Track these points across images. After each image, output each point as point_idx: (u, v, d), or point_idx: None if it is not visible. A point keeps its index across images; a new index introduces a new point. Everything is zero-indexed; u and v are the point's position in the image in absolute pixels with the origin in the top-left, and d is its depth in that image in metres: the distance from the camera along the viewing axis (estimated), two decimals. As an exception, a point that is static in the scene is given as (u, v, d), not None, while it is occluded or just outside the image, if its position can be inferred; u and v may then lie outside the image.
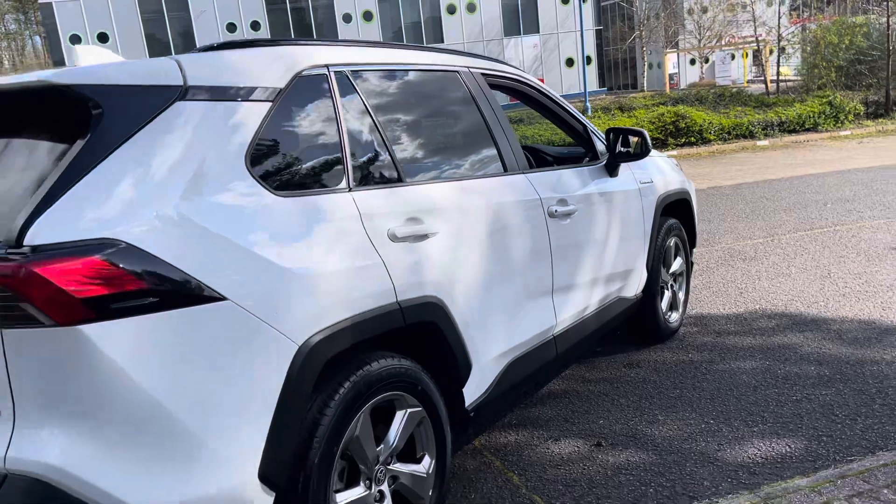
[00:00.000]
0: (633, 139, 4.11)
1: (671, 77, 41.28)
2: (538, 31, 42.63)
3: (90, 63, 2.56)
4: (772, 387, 3.87)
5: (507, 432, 3.62)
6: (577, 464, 3.25)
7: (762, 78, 40.23)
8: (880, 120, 18.45)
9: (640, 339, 4.62)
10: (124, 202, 1.86)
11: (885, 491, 2.77)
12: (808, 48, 20.40)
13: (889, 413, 3.47)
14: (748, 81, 41.85)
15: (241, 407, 1.98)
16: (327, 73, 2.56)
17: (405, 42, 40.79)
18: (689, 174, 7.50)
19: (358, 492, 2.36)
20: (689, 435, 3.42)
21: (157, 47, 39.92)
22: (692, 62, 45.76)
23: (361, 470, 2.37)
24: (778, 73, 25.11)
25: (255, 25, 40.37)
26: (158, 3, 39.53)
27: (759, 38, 45.67)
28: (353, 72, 2.67)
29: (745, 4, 48.20)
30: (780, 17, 25.31)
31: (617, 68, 49.81)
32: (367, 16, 41.00)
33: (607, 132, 4.01)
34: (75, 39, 37.70)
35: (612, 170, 3.97)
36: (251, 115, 2.24)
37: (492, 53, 41.72)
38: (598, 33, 44.58)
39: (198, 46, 2.53)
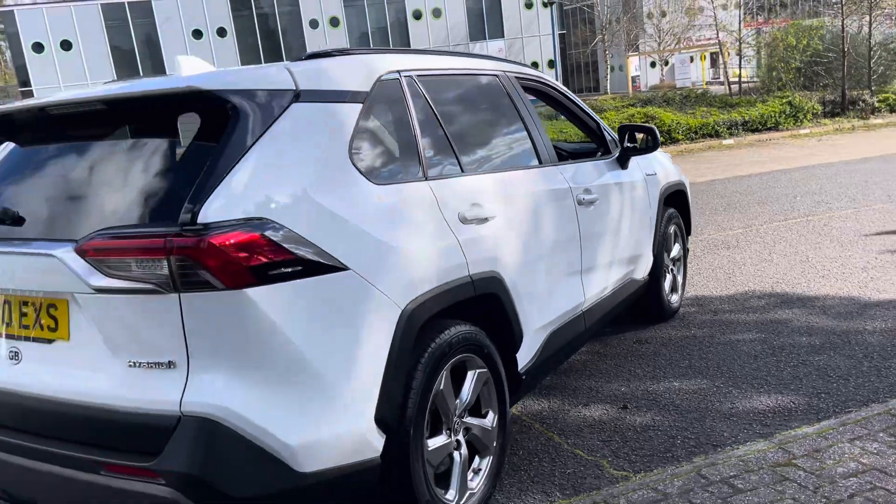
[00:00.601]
0: (640, 135, 4.54)
1: (634, 80, 42.16)
2: (503, 36, 43.24)
3: (191, 72, 2.88)
4: (770, 355, 4.32)
5: (541, 400, 4.00)
6: (608, 424, 3.65)
7: (720, 80, 41.34)
8: (837, 118, 19.30)
9: (647, 318, 5.04)
10: (268, 188, 2.21)
11: (882, 434, 3.21)
12: (768, 50, 21.18)
13: (876, 373, 3.93)
14: (707, 83, 42.90)
15: (362, 360, 2.33)
16: (399, 77, 2.92)
17: (371, 46, 41.08)
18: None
19: (442, 439, 2.72)
20: (704, 396, 3.85)
21: (122, 55, 39.65)
22: (652, 65, 46.75)
23: (443, 421, 2.73)
24: (740, 76, 25.88)
25: (222, 32, 40.33)
26: (122, 10, 39.22)
27: (718, 42, 46.83)
28: (418, 76, 3.04)
29: (703, 8, 49.45)
30: (740, 21, 26.06)
31: (580, 71, 50.64)
32: (334, 21, 41.19)
33: (620, 129, 4.43)
34: (38, 48, 37.24)
35: (623, 163, 4.39)
36: (349, 115, 2.59)
37: (458, 58, 42.17)
38: (562, 37, 45.39)
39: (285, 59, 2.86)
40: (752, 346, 4.49)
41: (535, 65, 43.65)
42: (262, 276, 2.09)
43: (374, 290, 2.37)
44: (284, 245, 2.14)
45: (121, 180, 2.35)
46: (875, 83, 20.27)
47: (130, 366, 2.15)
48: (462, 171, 3.05)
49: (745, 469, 3.03)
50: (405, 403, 2.48)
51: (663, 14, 44.29)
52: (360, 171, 2.53)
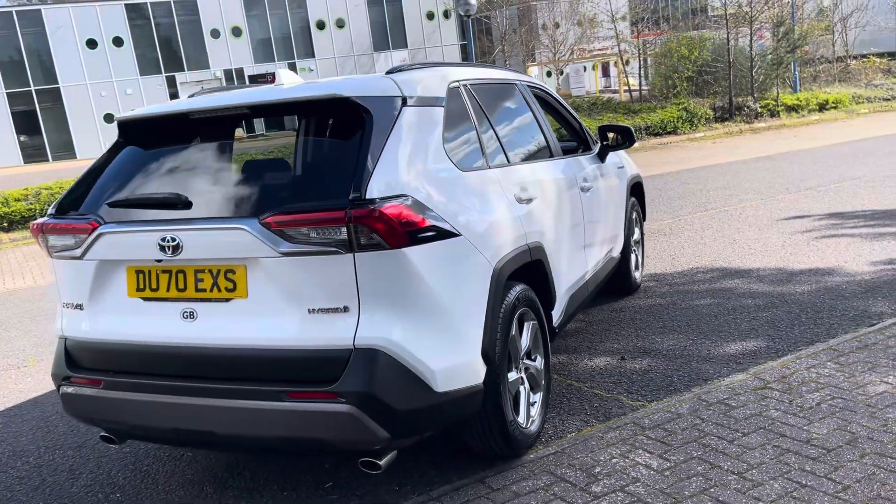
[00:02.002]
0: (610, 134, 5.36)
1: (534, 88, 43.69)
2: (406, 46, 44.09)
3: (290, 83, 3.46)
4: (726, 315, 5.22)
5: (552, 357, 4.73)
6: (613, 371, 4.42)
7: (612, 88, 43.53)
8: (726, 123, 21.15)
9: (618, 292, 5.88)
10: (405, 172, 2.83)
11: (829, 363, 4.12)
12: (662, 60, 22.87)
13: (813, 322, 4.89)
14: (600, 92, 45.15)
15: (473, 306, 2.99)
16: (458, 85, 3.59)
17: (275, 56, 40.97)
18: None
19: (514, 375, 3.40)
20: (684, 347, 4.69)
21: (11, 66, 37.97)
22: (548, 74, 48.65)
23: (513, 361, 3.41)
24: (641, 83, 27.68)
25: (118, 41, 39.28)
26: (10, 19, 37.58)
27: (609, 52, 49.32)
28: (472, 84, 3.72)
29: (593, 20, 51.92)
30: (639, 32, 27.79)
31: (480, 81, 52.00)
32: (236, 31, 40.87)
33: (599, 128, 5.24)
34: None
35: (602, 157, 5.19)
36: (438, 116, 3.24)
37: (363, 68, 42.72)
38: (463, 48, 46.63)
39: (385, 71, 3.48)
40: (709, 309, 5.39)
41: (438, 74, 44.63)
42: (413, 238, 2.72)
43: (477, 252, 3.04)
44: (424, 215, 2.78)
45: (284, 168, 2.92)
46: (757, 91, 22.29)
47: (310, 312, 2.73)
48: (508, 161, 3.75)
49: (734, 393, 3.86)
50: (497, 342, 3.15)
51: (556, 25, 46.30)
52: (451, 160, 3.19)
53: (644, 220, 6.42)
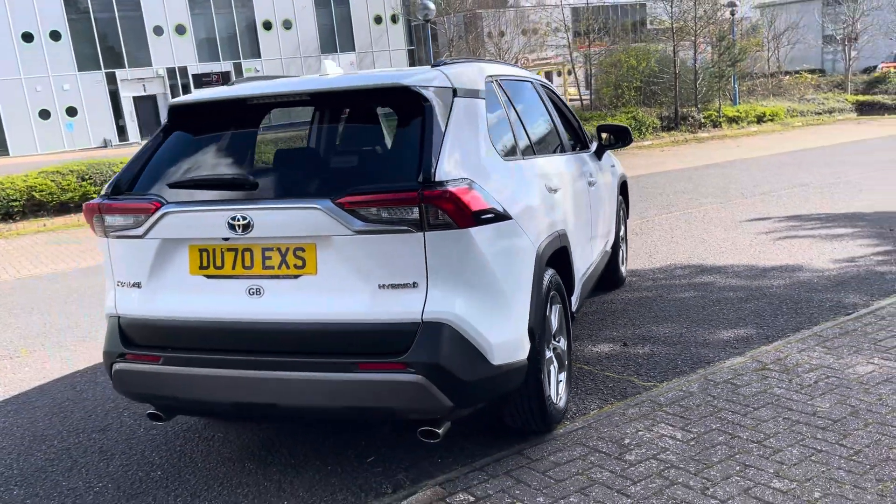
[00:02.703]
0: (604, 134, 5.64)
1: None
2: (354, 50, 44.05)
3: (332, 73, 3.60)
4: (712, 306, 5.56)
5: (555, 345, 4.97)
6: (620, 355, 4.68)
7: (557, 97, 44.17)
8: (672, 132, 21.91)
9: (606, 285, 6.15)
10: (465, 157, 3.02)
11: (818, 347, 4.46)
12: (612, 70, 23.53)
13: (794, 312, 5.25)
14: (544, 100, 45.96)
15: (522, 285, 3.19)
16: (493, 80, 3.79)
17: (220, 56, 40.43)
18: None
19: (548, 352, 3.61)
20: (680, 334, 4.98)
21: (-60, 56, 36.42)
22: (494, 81, 49.15)
23: (547, 340, 3.62)
24: (580, 92, 28.33)
25: (56, 35, 38.12)
26: (-60, 9, 36.05)
27: (553, 61, 50.21)
28: (502, 80, 3.92)
29: (537, 30, 52.85)
30: (588, 43, 28.45)
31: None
32: (180, 29, 40.15)
33: (598, 127, 5.51)
34: None
35: (599, 155, 5.46)
36: (481, 107, 3.43)
37: (310, 70, 42.49)
38: (411, 53, 46.84)
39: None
40: (695, 301, 5.71)
41: (385, 78, 44.70)
42: (477, 219, 2.91)
43: (525, 235, 3.24)
44: (484, 198, 2.97)
45: (348, 151, 3.07)
46: (700, 102, 23.16)
47: (380, 287, 2.88)
48: (534, 153, 3.97)
49: (737, 373, 4.16)
50: (537, 320, 3.36)
51: (501, 34, 46.94)
52: (495, 149, 3.38)
53: (628, 217, 6.73)
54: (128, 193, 3.24)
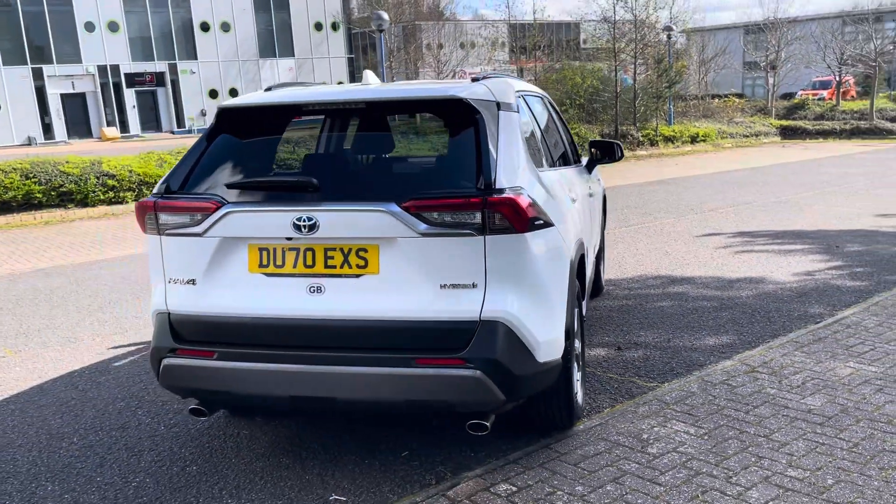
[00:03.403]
0: (592, 149, 5.94)
1: (421, 105, 44.37)
2: (293, 55, 43.72)
3: (373, 83, 3.76)
4: (690, 315, 5.91)
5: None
6: (617, 359, 4.96)
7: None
8: (613, 149, 22.62)
9: (591, 293, 6.44)
10: (516, 167, 3.22)
11: (797, 352, 4.85)
12: (557, 86, 24.15)
13: (768, 321, 5.65)
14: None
15: (561, 288, 3.41)
16: (519, 94, 4.02)
17: (155, 55, 39.49)
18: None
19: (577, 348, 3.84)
20: (668, 340, 5.30)
21: None
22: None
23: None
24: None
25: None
26: None
27: (534, 73, 50.74)
28: (525, 94, 4.15)
29: (475, 44, 53.55)
30: (526, 59, 29.06)
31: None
32: (113, 26, 39.08)
33: (590, 143, 5.80)
34: None
35: (590, 169, 5.76)
36: (518, 120, 3.65)
37: (248, 73, 41.98)
38: (350, 61, 46.79)
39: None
40: (674, 309, 6.06)
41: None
42: (531, 225, 3.12)
43: (563, 241, 3.47)
44: (535, 205, 3.18)
45: (406, 158, 3.23)
46: (639, 121, 24.02)
47: (441, 287, 3.05)
48: (554, 164, 4.21)
49: (730, 375, 4.48)
50: (571, 321, 3.58)
51: (440, 46, 47.43)
52: (531, 160, 3.60)
53: (604, 228, 7.05)
54: (182, 192, 3.31)
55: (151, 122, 40.75)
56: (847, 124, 27.53)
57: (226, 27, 41.57)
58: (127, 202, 13.96)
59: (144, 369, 5.10)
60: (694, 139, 24.85)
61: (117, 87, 39.39)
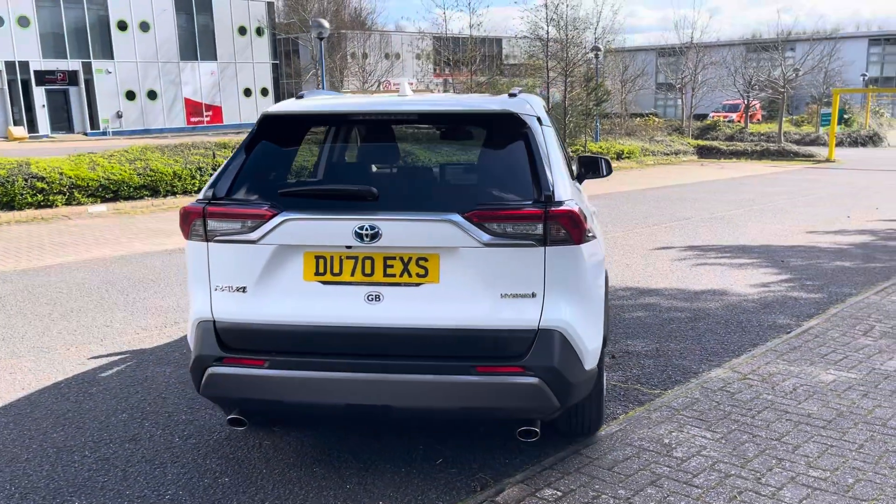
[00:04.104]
0: (581, 166, 6.13)
1: (347, 114, 44.06)
2: (215, 59, 42.72)
3: (410, 93, 3.81)
4: (669, 325, 6.16)
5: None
6: (614, 367, 5.12)
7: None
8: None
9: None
10: (563, 181, 3.33)
11: (779, 361, 5.14)
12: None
13: (742, 331, 5.96)
14: (405, 124, 46.68)
15: (602, 297, 3.54)
16: (544, 109, 4.14)
17: (68, 53, 37.81)
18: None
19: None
20: (656, 349, 5.52)
21: None
22: (354, 102, 49.33)
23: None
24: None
25: None
26: None
27: (415, 87, 51.01)
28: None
29: (399, 55, 53.72)
30: (447, 68, 29.39)
31: (287, 101, 51.62)
32: (23, 21, 37.25)
33: (579, 158, 5.97)
34: None
35: (580, 182, 5.93)
36: (553, 134, 3.77)
37: (168, 75, 40.78)
38: (275, 67, 46.08)
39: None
40: (651, 320, 6.31)
41: (247, 91, 43.78)
42: (585, 236, 3.23)
43: (602, 253, 3.60)
44: (585, 217, 3.30)
45: (460, 168, 3.30)
46: (568, 137, 24.67)
47: (502, 296, 3.12)
48: (574, 178, 4.35)
49: (726, 383, 4.72)
50: (607, 330, 3.71)
51: (365, 56, 47.33)
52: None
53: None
54: (231, 199, 3.27)
55: (63, 122, 38.94)
56: (758, 146, 29.05)
57: (145, 27, 40.24)
58: (57, 206, 13.36)
59: (137, 380, 4.93)
60: (619, 156, 25.67)
61: (26, 84, 37.49)
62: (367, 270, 3.17)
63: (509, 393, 3.13)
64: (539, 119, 3.57)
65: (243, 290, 3.24)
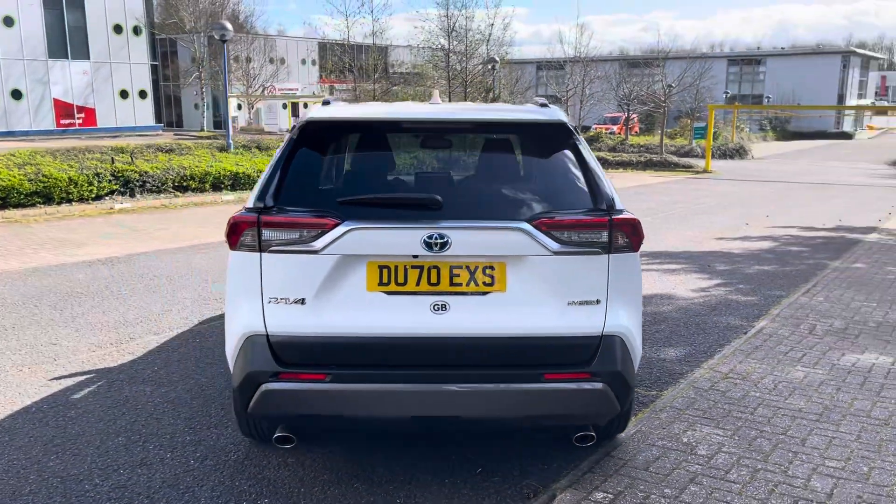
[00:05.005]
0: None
1: (234, 119, 42.80)
2: (88, 58, 40.34)
3: (439, 101, 3.78)
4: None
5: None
6: (600, 370, 5.26)
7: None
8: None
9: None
10: (613, 190, 3.41)
11: (749, 360, 5.45)
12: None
13: (703, 333, 6.27)
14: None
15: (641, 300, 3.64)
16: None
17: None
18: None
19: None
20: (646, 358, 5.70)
21: None
22: (239, 107, 48.13)
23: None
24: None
25: None
26: None
27: (299, 92, 50.35)
28: None
29: (283, 59, 52.72)
30: (333, 74, 29.19)
31: (173, 105, 49.51)
32: None
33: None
34: None
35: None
36: (584, 141, 3.85)
37: (35, 74, 38.21)
38: (154, 68, 44.04)
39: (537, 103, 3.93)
40: (615, 324, 6.52)
41: (124, 93, 41.63)
42: (640, 245, 3.32)
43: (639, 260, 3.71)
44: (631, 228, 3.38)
45: (514, 177, 3.31)
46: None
47: (569, 304, 3.15)
48: None
49: (712, 382, 4.96)
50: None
51: (248, 60, 46.19)
52: None
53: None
54: (283, 208, 3.13)
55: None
56: (641, 157, 30.55)
57: (9, 22, 37.41)
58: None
59: (117, 401, 4.60)
60: (516, 165, 26.35)
61: None
62: (433, 280, 3.12)
63: (577, 399, 3.17)
64: (576, 129, 3.64)
65: (301, 301, 3.11)
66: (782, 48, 74.27)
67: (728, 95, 51.47)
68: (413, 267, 3.11)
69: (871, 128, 65.13)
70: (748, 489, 3.51)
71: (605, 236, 3.16)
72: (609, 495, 3.44)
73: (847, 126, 57.10)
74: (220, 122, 45.91)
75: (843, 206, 16.43)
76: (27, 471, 3.70)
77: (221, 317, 6.60)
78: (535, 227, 3.10)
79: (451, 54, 24.75)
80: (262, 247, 3.10)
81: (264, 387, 3.09)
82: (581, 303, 3.19)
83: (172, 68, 47.69)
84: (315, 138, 3.38)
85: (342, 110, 3.49)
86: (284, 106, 47.53)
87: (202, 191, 16.17)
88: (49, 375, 5.08)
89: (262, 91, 45.97)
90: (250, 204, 3.17)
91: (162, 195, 15.47)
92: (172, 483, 3.57)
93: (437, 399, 3.12)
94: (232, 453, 3.88)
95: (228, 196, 16.18)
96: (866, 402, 4.61)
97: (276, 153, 3.40)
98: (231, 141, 19.22)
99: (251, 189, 18.73)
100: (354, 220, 3.07)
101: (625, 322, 3.27)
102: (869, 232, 12.34)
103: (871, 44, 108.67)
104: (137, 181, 15.21)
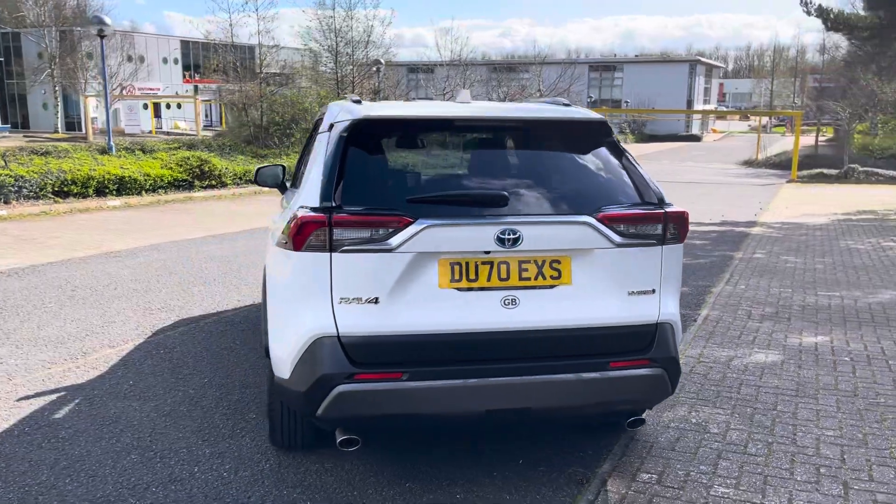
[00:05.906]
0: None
1: (94, 120, 40.24)
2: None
3: (467, 101, 3.82)
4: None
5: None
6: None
7: (163, 130, 42.43)
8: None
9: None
10: (656, 185, 3.58)
11: (712, 346, 5.84)
12: (286, 109, 23.91)
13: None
14: (156, 132, 43.65)
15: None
16: None
17: None
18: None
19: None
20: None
21: None
22: (96, 107, 45.32)
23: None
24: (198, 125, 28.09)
25: None
26: None
27: (161, 92, 48.07)
28: None
29: (143, 58, 50.18)
30: (197, 74, 28.15)
31: (17, 104, 45.74)
32: None
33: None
34: None
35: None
36: (615, 138, 3.99)
37: None
38: (-1, 65, 40.61)
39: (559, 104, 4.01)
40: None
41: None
42: (686, 236, 3.50)
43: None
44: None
45: (566, 173, 3.41)
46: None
47: (629, 294, 3.29)
48: None
49: (691, 366, 5.28)
50: None
51: (92, 55, 43.47)
52: None
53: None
54: (351, 207, 3.07)
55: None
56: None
57: None
58: None
59: (107, 419, 4.30)
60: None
61: None
62: (503, 275, 3.16)
63: (640, 384, 3.31)
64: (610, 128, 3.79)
65: (375, 300, 3.06)
66: (636, 55, 78.78)
67: (591, 100, 53.98)
68: (483, 263, 3.14)
69: (714, 131, 70.40)
70: (772, 461, 3.79)
71: (659, 228, 3.32)
72: (654, 475, 3.61)
73: (695, 129, 61.36)
74: (73, 124, 43.06)
75: (718, 202, 17.68)
76: (43, 496, 3.40)
77: (176, 326, 6.28)
78: (600, 220, 3.21)
79: (337, 56, 24.47)
80: (332, 247, 3.02)
81: (339, 389, 3.02)
82: (640, 293, 3.33)
83: (17, 65, 44.15)
84: (368, 136, 3.33)
85: (386, 108, 3.46)
86: (145, 106, 45.16)
87: (85, 196, 15.15)
88: (13, 396, 4.66)
89: (121, 91, 43.43)
90: (314, 204, 3.08)
91: (41, 201, 14.38)
92: (217, 496, 3.40)
93: (511, 392, 3.16)
94: (263, 463, 3.74)
95: (114, 202, 15.25)
96: (829, 378, 5.06)
97: (322, 151, 3.33)
98: (112, 143, 18.10)
99: (139, 194, 17.65)
100: (427, 217, 3.06)
101: (672, 310, 3.45)
102: (752, 226, 13.38)
103: (709, 53, 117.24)
104: (12, 186, 14.07)
